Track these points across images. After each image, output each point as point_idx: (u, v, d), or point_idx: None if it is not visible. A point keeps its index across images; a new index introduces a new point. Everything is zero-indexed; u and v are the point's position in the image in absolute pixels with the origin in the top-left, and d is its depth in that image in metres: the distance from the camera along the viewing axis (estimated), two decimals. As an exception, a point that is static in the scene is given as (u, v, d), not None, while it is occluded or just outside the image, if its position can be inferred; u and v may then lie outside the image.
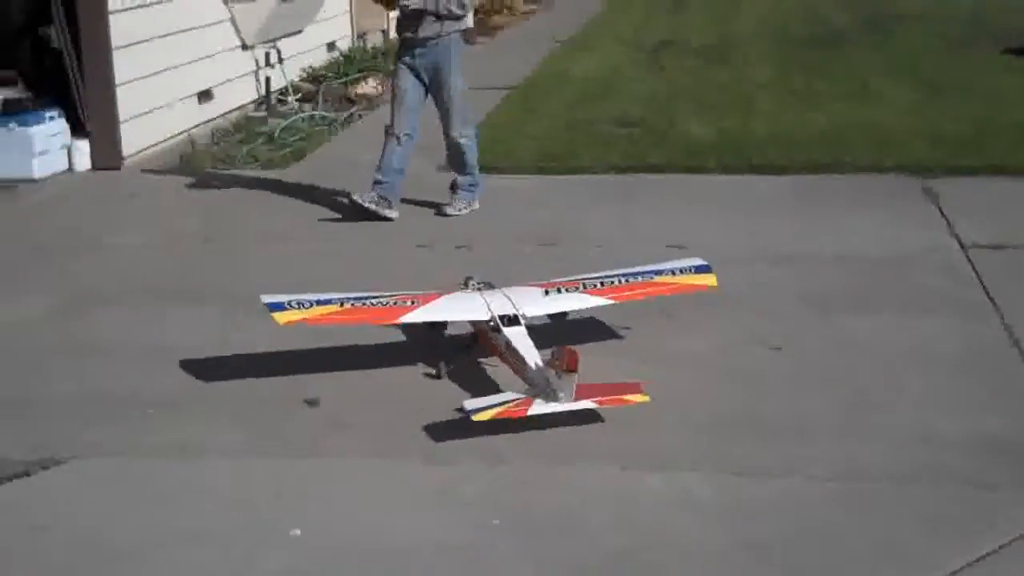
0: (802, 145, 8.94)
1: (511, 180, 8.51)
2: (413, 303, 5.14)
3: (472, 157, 7.80)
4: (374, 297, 5.19)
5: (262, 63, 11.13)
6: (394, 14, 7.94)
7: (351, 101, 11.31)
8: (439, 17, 7.50)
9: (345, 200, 7.69)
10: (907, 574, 3.70)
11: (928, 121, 9.59)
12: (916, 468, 4.29)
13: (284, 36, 11.50)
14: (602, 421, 4.63)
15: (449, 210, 7.75)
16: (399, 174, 7.65)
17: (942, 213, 7.28)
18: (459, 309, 5.20)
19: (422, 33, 7.53)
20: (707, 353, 5.35)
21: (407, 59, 7.61)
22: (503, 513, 4.09)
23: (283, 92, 11.27)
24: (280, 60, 11.24)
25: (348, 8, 13.50)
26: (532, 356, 4.78)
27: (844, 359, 5.25)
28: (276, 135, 9.94)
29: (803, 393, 4.93)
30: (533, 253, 6.85)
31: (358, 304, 5.12)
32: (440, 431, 4.63)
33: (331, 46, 13.00)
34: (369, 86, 11.67)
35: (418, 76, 7.60)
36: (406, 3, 7.45)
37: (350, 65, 12.28)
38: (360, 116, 10.90)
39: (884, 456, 4.39)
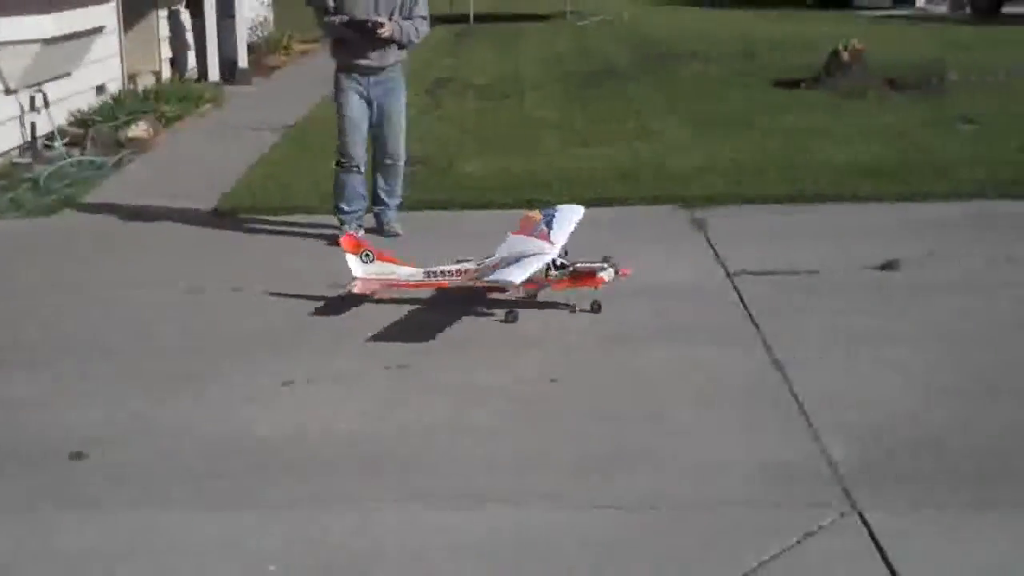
0: (581, 182, 9.04)
1: (293, 219, 8.37)
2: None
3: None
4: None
5: (27, 107, 10.67)
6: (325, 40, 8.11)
7: (121, 145, 10.96)
8: (401, 46, 7.58)
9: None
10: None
11: (701, 155, 9.85)
12: (686, 493, 4.36)
13: (51, 79, 11.06)
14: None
15: (399, 228, 7.86)
16: (364, 199, 7.79)
17: (709, 243, 7.47)
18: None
19: (387, 61, 7.56)
20: (495, 387, 5.33)
21: (358, 87, 7.58)
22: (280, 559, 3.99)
23: (50, 137, 10.84)
24: (46, 104, 10.80)
25: (118, 50, 13.10)
26: None
27: (621, 390, 5.30)
28: (42, 181, 9.53)
29: (585, 426, 4.95)
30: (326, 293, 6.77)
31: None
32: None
33: (100, 89, 12.57)
34: (140, 129, 11.32)
35: (368, 104, 7.59)
36: (380, 31, 7.39)
37: (120, 108, 11.92)
38: (131, 160, 10.59)
39: (657, 483, 4.44)
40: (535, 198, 8.56)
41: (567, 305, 6.22)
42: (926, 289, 6.47)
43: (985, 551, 3.93)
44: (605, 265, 6.16)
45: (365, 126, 7.63)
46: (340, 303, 6.49)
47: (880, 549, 3.93)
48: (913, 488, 4.34)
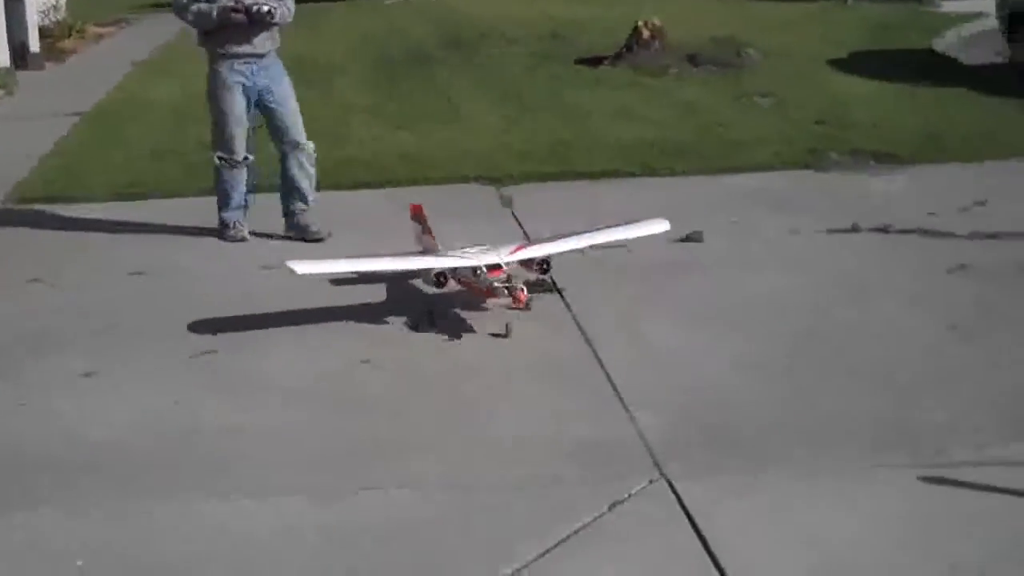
0: (389, 167, 8.97)
1: (89, 209, 8.10)
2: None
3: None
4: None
5: None
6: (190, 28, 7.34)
7: None
8: (277, 27, 7.14)
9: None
10: (494, 567, 3.76)
11: (509, 135, 9.90)
12: (494, 472, 4.38)
13: None
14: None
15: (316, 229, 7.29)
16: (246, 198, 7.33)
17: (517, 220, 7.52)
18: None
19: (266, 47, 7.12)
20: (309, 379, 5.26)
21: (241, 78, 7.09)
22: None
23: None
24: None
25: None
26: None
27: (431, 371, 5.30)
28: None
29: (406, 409, 4.92)
30: (124, 284, 6.58)
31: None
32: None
33: None
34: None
35: (245, 93, 7.09)
36: (262, 10, 6.94)
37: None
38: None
39: (481, 464, 4.45)
40: (349, 179, 8.52)
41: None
42: (728, 261, 6.63)
43: (781, 512, 4.04)
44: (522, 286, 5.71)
45: (245, 118, 7.17)
46: (136, 294, 6.34)
47: (688, 515, 4.00)
48: (717, 456, 4.43)
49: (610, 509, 4.06)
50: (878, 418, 4.67)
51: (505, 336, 5.54)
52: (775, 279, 6.30)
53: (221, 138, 7.22)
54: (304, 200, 7.33)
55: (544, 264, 5.92)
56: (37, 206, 8.28)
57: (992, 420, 4.61)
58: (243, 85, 7.10)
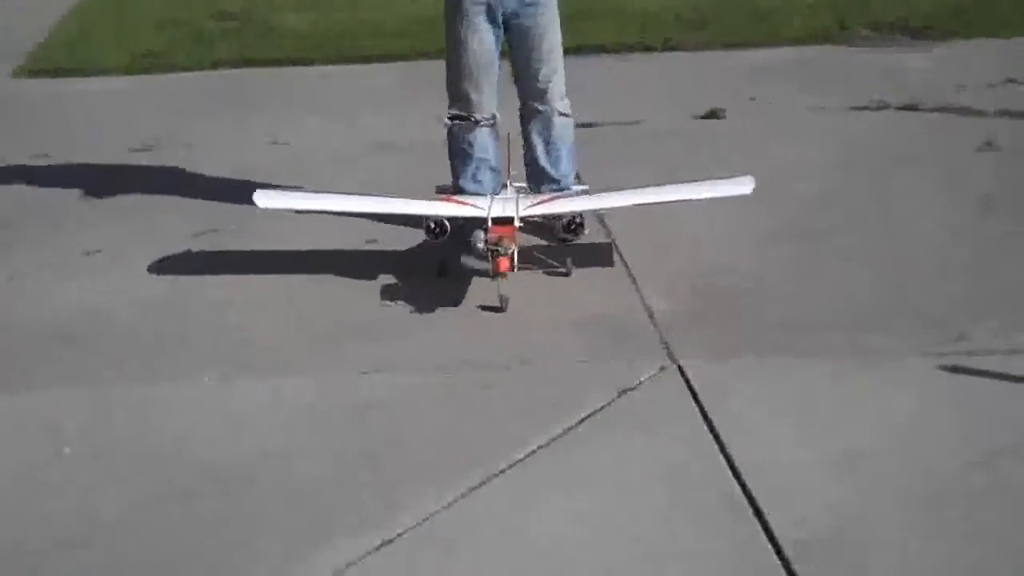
0: (394, 34, 8.72)
1: (100, 82, 7.95)
2: None
3: (572, 141, 5.36)
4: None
5: None
6: None
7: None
8: None
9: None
10: (504, 451, 3.67)
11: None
12: (514, 355, 4.28)
13: None
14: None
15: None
16: (496, 173, 5.23)
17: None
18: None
19: None
20: (319, 261, 5.15)
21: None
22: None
23: None
24: None
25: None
26: None
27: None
28: None
29: (417, 293, 4.80)
30: (130, 158, 6.47)
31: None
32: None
33: None
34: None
35: (493, 22, 5.07)
36: None
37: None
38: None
39: (488, 346, 4.36)
40: (354, 53, 8.31)
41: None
42: (750, 139, 6.44)
43: (794, 399, 3.94)
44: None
45: (492, 58, 5.09)
46: (142, 170, 6.24)
47: (698, 403, 3.91)
48: (732, 341, 4.31)
49: (619, 395, 3.97)
50: (900, 301, 4.54)
51: (500, 309, 4.58)
52: (796, 157, 6.11)
53: (453, 88, 5.15)
54: (552, 184, 5.28)
55: (573, 223, 4.87)
56: (47, 78, 8.12)
57: (1020, 305, 4.47)
58: (487, 5, 5.05)
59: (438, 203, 4.95)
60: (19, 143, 6.76)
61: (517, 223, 4.73)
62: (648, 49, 8.27)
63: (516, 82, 5.23)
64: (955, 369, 4.02)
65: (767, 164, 5.93)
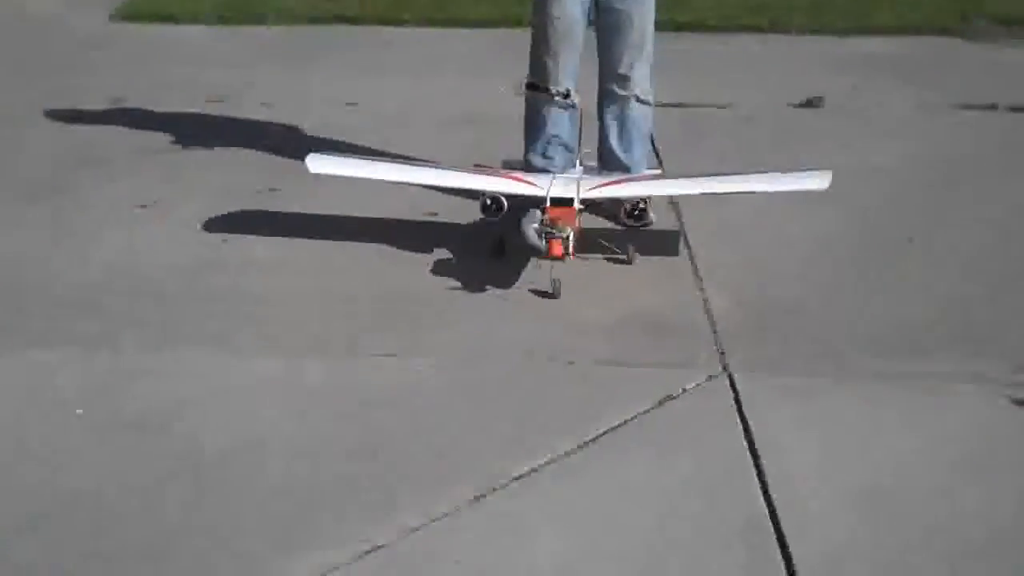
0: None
1: (190, 31, 7.87)
2: None
3: (649, 129, 5.17)
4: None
5: None
6: None
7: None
8: None
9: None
10: (520, 458, 3.39)
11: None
12: (548, 352, 4.02)
13: None
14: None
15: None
16: (570, 152, 4.96)
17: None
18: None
19: None
20: (364, 231, 4.95)
21: None
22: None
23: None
24: None
25: None
26: None
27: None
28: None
29: (462, 271, 4.59)
30: (199, 110, 6.35)
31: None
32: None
33: None
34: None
35: None
36: None
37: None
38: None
39: (522, 333, 4.12)
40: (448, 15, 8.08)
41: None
42: (846, 133, 6.07)
43: (842, 422, 3.62)
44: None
45: (577, 31, 4.84)
46: (212, 122, 6.11)
47: (743, 417, 3.62)
48: (788, 353, 4.01)
49: (660, 404, 3.69)
50: (971, 326, 4.17)
51: (552, 296, 4.34)
52: (889, 156, 5.74)
53: (533, 55, 4.94)
54: (621, 169, 4.99)
55: (637, 209, 4.66)
56: (142, 23, 8.07)
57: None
58: None
59: (498, 178, 4.72)
60: (100, 87, 6.68)
61: (577, 205, 4.47)
62: (755, 30, 7.90)
63: (600, 62, 4.98)
64: (1018, 403, 3.68)
65: (855, 161, 5.60)
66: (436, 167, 4.87)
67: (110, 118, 6.21)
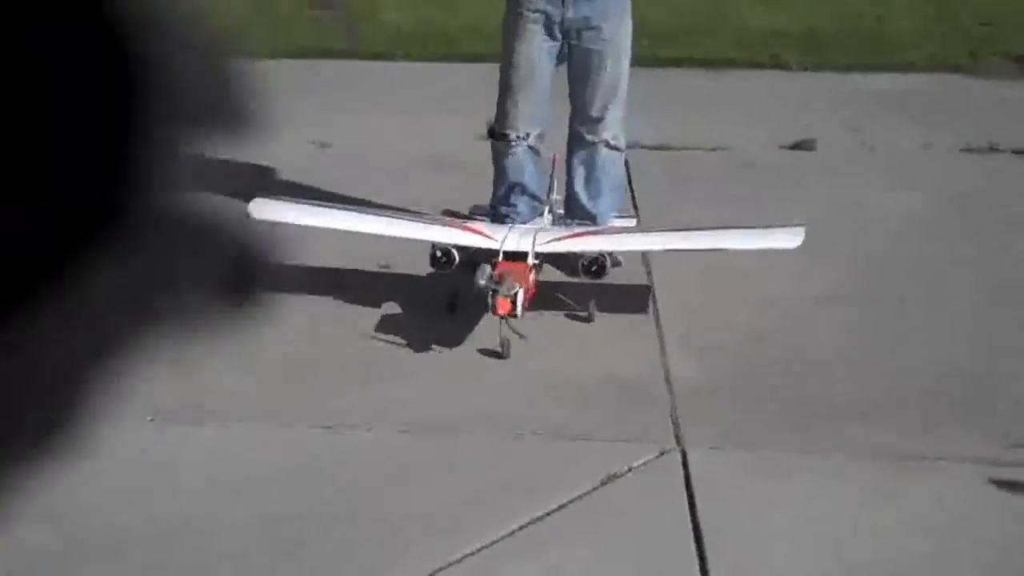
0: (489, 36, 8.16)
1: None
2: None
3: (620, 178, 4.93)
4: None
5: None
6: None
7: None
8: None
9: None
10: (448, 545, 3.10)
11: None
12: (500, 420, 3.71)
13: None
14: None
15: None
16: (534, 201, 4.69)
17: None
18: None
19: None
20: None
21: (545, 4, 4.48)
22: None
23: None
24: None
25: None
26: None
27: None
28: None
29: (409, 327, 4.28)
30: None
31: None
32: None
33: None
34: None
35: (551, 35, 4.55)
36: None
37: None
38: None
39: (475, 404, 3.80)
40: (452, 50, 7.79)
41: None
42: (838, 177, 5.73)
43: (802, 505, 3.30)
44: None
45: (545, 72, 4.58)
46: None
47: (691, 501, 3.28)
48: (752, 426, 3.68)
49: (604, 483, 3.36)
50: (957, 399, 3.83)
51: (502, 356, 4.03)
52: (886, 203, 5.38)
53: (499, 101, 4.69)
54: (586, 218, 4.69)
55: (595, 265, 4.18)
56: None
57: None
58: (546, 15, 4.52)
59: (451, 228, 4.41)
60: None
61: (531, 260, 4.16)
62: (752, 66, 7.56)
63: (570, 104, 4.72)
64: (1004, 485, 3.32)
65: (844, 211, 5.26)
66: (388, 215, 4.56)
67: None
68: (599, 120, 4.63)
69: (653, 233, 4.59)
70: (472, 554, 3.05)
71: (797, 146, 6.07)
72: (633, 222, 4.98)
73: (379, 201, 5.26)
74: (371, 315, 4.32)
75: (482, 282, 4.05)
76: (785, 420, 3.68)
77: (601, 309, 4.32)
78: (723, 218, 5.01)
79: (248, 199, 4.74)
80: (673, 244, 4.38)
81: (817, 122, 6.35)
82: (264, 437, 3.59)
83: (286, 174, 5.59)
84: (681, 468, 3.42)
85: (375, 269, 4.68)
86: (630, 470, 3.42)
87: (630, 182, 5.51)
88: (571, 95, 4.68)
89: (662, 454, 3.50)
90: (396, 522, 3.19)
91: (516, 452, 3.53)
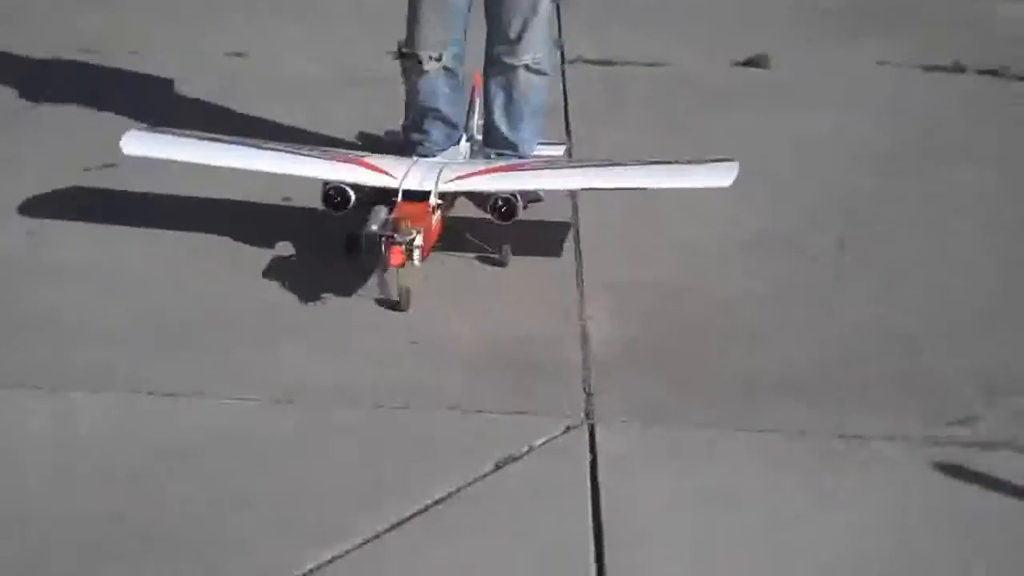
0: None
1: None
2: None
3: (542, 103, 4.40)
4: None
5: None
6: None
7: None
8: None
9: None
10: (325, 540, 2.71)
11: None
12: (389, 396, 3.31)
13: None
14: None
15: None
16: (452, 128, 4.30)
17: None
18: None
19: None
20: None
21: None
22: None
23: None
24: None
25: None
26: None
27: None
28: None
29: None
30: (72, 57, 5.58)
31: None
32: None
33: None
34: None
35: None
36: None
37: None
38: None
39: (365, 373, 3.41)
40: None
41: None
42: (790, 97, 5.30)
43: (719, 491, 2.94)
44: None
45: None
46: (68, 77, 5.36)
47: (595, 483, 2.92)
48: (670, 389, 3.31)
49: (496, 468, 2.98)
50: (899, 363, 3.46)
51: (399, 307, 3.65)
52: (833, 130, 4.96)
53: (408, 16, 4.23)
54: (507, 148, 4.31)
55: (505, 206, 3.81)
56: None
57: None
58: None
59: (347, 164, 3.97)
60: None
61: (434, 200, 3.74)
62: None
63: (487, 24, 4.27)
64: (944, 468, 2.97)
65: (794, 137, 4.87)
66: (277, 148, 4.11)
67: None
68: (517, 41, 4.19)
69: (572, 169, 4.19)
70: (341, 556, 2.68)
71: (749, 63, 5.63)
72: (562, 150, 4.57)
73: (288, 122, 4.86)
74: (262, 257, 3.91)
75: (374, 227, 3.63)
76: (707, 392, 3.30)
77: (517, 251, 3.92)
78: (657, 146, 4.62)
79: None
80: (592, 183, 4.00)
81: (774, 36, 5.91)
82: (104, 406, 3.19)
83: (197, 91, 5.16)
84: (588, 448, 3.04)
85: (278, 202, 4.27)
86: (530, 449, 3.04)
87: (565, 103, 5.10)
88: (487, 13, 4.24)
89: (568, 430, 3.12)
90: (252, 516, 2.81)
91: (404, 427, 3.14)
